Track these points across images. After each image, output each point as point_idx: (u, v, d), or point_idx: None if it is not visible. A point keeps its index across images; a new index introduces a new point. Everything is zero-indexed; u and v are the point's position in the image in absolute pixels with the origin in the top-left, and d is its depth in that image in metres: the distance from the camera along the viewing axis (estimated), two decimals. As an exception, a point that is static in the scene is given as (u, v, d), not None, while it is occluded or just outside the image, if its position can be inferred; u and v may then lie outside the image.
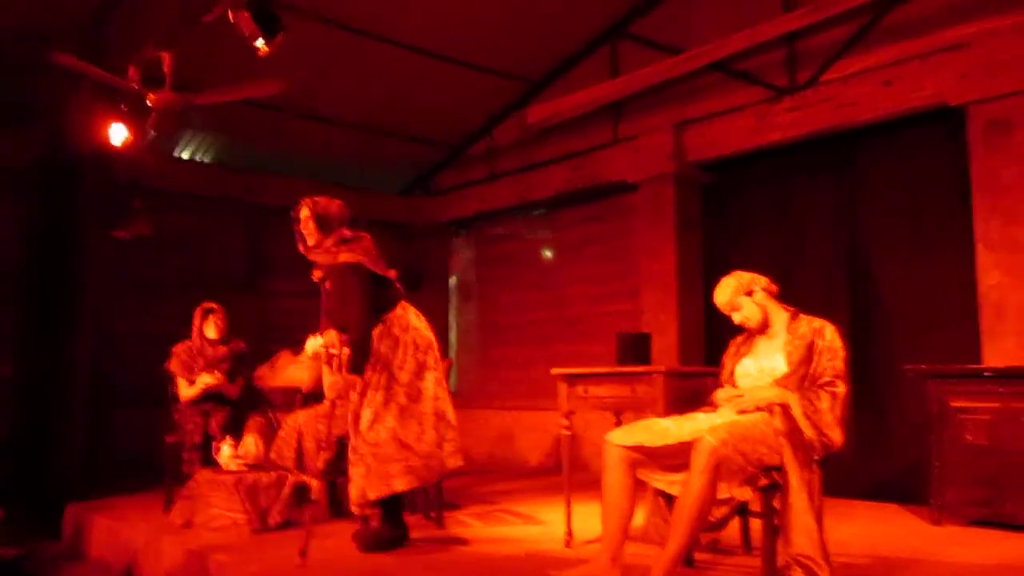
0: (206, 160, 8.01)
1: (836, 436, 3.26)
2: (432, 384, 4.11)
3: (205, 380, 5.38)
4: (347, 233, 4.10)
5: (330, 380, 4.01)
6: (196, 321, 5.58)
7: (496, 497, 5.81)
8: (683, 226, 6.83)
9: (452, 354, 9.00)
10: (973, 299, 5.15)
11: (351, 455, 3.97)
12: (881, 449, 5.68)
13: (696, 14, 6.75)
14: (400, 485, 3.93)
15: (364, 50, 6.91)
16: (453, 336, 9.18)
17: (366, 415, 3.94)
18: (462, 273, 9.29)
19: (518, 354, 8.48)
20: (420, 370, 4.08)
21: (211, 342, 5.54)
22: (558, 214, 8.28)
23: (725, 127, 6.55)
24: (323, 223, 4.06)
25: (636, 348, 4.25)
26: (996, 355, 4.96)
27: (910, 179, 5.74)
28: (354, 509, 3.99)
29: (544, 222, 8.44)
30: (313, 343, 4.08)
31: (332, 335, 4.01)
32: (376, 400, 3.94)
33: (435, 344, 4.20)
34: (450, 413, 4.14)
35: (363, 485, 3.89)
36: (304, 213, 4.09)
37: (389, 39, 6.84)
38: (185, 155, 7.90)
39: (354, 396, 3.99)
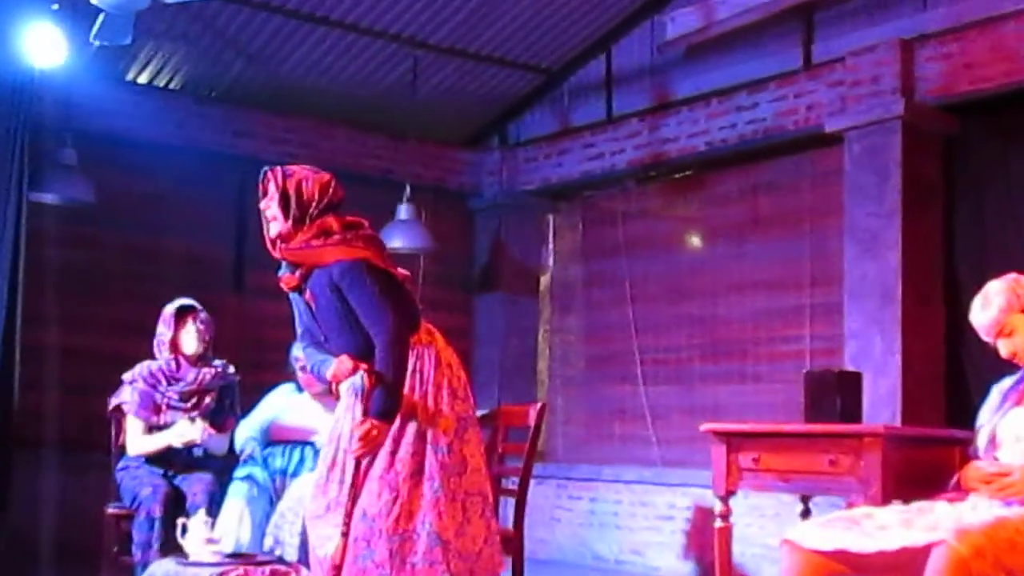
0: (174, 88, 8.09)
1: None
2: (476, 447, 4.19)
3: (184, 433, 5.40)
4: (333, 224, 4.11)
5: (347, 427, 4.04)
6: (166, 328, 5.59)
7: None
8: (915, 201, 6.74)
9: (541, 395, 9.05)
10: None
11: (350, 548, 3.95)
12: None
13: None
14: None
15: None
16: (543, 367, 9.24)
17: (378, 493, 3.98)
18: (560, 270, 9.34)
19: (645, 398, 8.49)
20: (462, 427, 4.15)
21: (190, 360, 5.58)
22: (711, 180, 8.25)
23: (988, 45, 6.43)
24: (292, 208, 4.09)
25: (837, 395, 4.25)
26: None
27: None
28: None
29: (688, 193, 8.41)
30: (344, 365, 4.03)
31: (344, 363, 3.99)
32: (400, 471, 4.00)
33: (469, 387, 4.30)
34: (489, 491, 4.25)
35: None
36: (271, 189, 4.15)
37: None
38: (143, 79, 7.96)
39: (344, 453, 4.03)
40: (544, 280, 9.40)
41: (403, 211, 8.04)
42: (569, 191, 9.12)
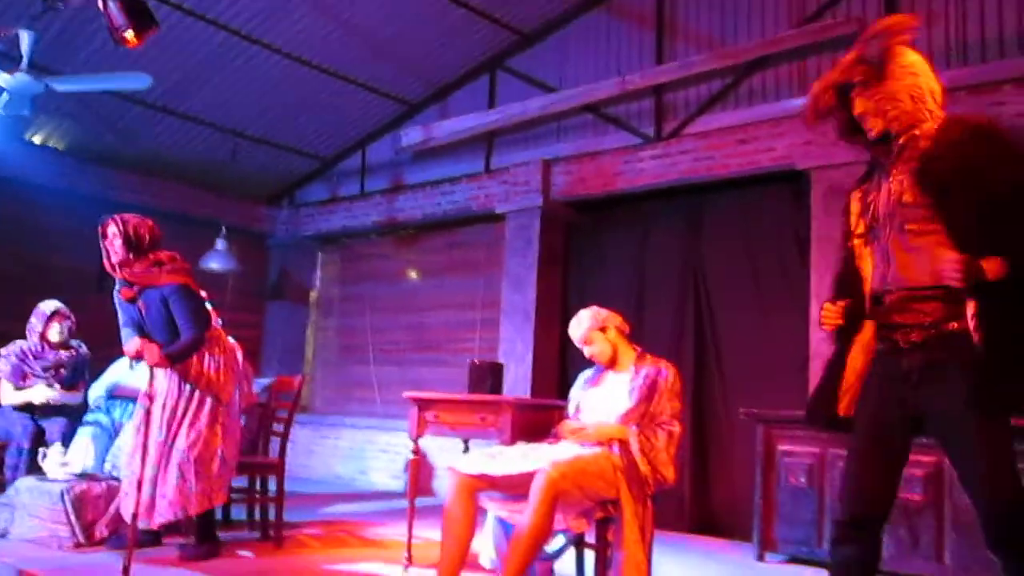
0: (60, 148, 7.61)
1: (669, 473, 3.34)
2: (238, 403, 4.27)
3: (41, 393, 5.19)
4: (163, 256, 4.07)
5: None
6: (38, 321, 5.31)
7: (340, 518, 5.70)
8: (546, 260, 6.89)
9: (307, 369, 8.85)
10: (806, 351, 5.29)
11: (161, 471, 3.98)
12: (713, 486, 5.90)
13: (572, 55, 6.94)
14: (219, 499, 4.10)
15: (241, 53, 6.79)
16: (310, 351, 9.01)
17: (187, 434, 4.02)
18: (324, 289, 9.12)
19: (376, 374, 8.38)
20: (236, 391, 4.22)
21: (53, 346, 5.33)
22: (425, 237, 8.23)
23: (593, 167, 6.66)
24: (133, 245, 4.03)
25: (488, 377, 4.26)
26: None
27: (755, 234, 5.94)
28: (158, 522, 3.98)
29: (411, 244, 8.39)
30: (134, 343, 3.93)
31: (135, 341, 3.91)
32: (202, 421, 4.04)
33: (248, 367, 4.34)
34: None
35: (183, 502, 3.96)
36: (112, 231, 4.06)
37: (269, 45, 6.76)
38: (36, 140, 7.47)
39: (160, 410, 4.01)
40: (313, 295, 9.11)
41: (220, 244, 7.82)
42: (334, 238, 8.88)
